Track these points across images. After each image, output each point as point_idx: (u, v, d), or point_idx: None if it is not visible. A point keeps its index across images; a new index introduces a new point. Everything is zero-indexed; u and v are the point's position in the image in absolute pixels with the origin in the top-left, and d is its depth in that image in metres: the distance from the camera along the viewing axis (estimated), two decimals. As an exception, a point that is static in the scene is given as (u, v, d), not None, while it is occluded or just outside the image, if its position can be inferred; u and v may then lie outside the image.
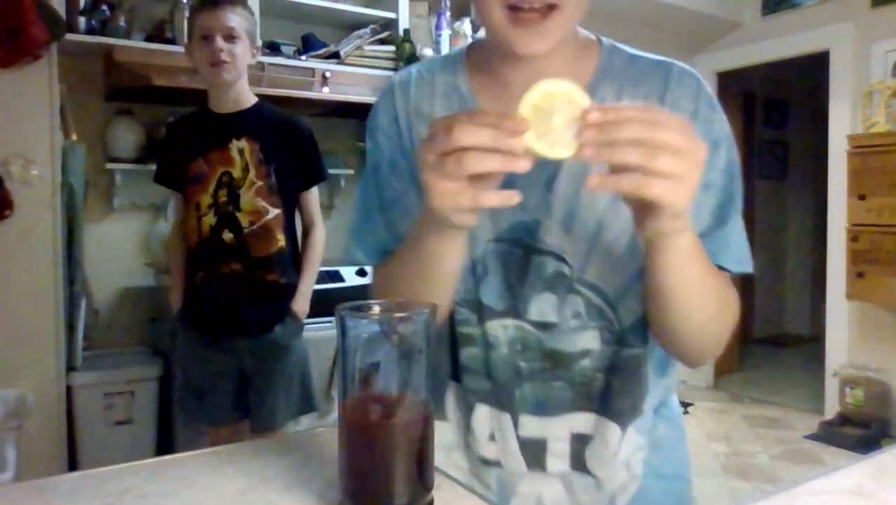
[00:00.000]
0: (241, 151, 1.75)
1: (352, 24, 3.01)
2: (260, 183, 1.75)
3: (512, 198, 0.56)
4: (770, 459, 3.20)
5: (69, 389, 2.25)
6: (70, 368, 2.26)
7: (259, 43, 1.87)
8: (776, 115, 5.64)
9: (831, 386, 3.62)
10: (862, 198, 3.22)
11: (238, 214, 1.74)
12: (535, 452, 0.77)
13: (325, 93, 2.75)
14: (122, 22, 2.48)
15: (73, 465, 2.26)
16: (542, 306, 0.74)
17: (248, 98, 1.82)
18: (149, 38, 2.56)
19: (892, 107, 3.26)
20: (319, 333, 2.40)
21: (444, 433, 0.81)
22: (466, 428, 0.80)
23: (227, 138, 1.75)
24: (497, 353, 0.76)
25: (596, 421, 0.76)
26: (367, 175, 0.81)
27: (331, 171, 3.08)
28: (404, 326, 0.58)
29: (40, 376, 2.12)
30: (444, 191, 0.55)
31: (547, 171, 0.71)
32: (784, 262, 5.80)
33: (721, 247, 0.72)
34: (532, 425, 0.77)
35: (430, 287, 0.69)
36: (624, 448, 0.77)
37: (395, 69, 2.98)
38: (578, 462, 0.77)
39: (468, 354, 0.78)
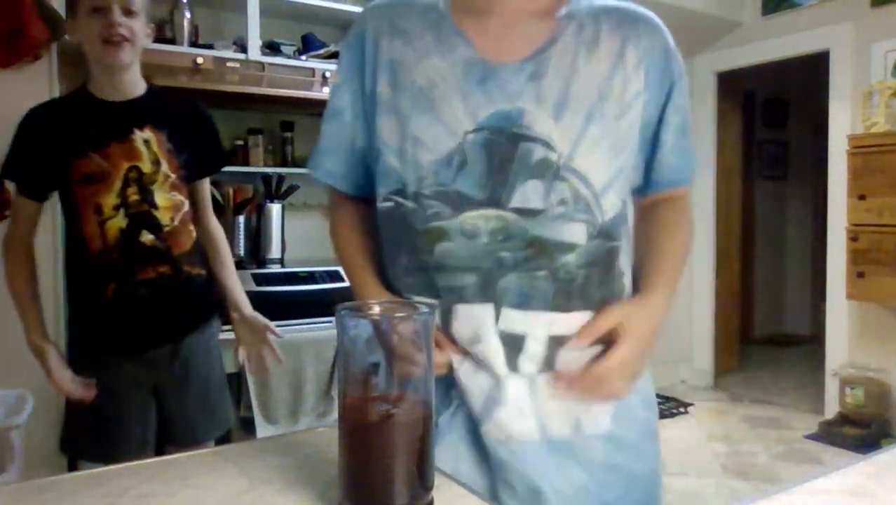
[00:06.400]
0: (147, 143, 1.53)
1: (352, 24, 3.01)
2: (173, 176, 1.57)
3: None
4: (770, 459, 3.20)
5: (69, 389, 2.25)
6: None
7: (152, 24, 1.63)
8: (776, 115, 5.64)
9: (831, 386, 3.62)
10: (862, 198, 3.22)
11: (156, 213, 1.54)
12: (512, 351, 0.77)
13: (325, 93, 2.75)
14: (122, 22, 2.48)
15: (73, 465, 2.25)
16: (527, 193, 0.74)
17: (142, 84, 1.60)
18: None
19: (892, 107, 3.26)
20: (319, 333, 2.40)
21: None
22: (447, 335, 0.80)
23: (129, 129, 1.52)
24: (476, 243, 0.75)
25: (574, 318, 0.77)
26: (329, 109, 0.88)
27: (331, 171, 3.11)
28: (404, 325, 0.58)
29: (40, 376, 2.11)
30: None
31: (531, 63, 0.76)
32: (784, 262, 5.80)
33: (685, 161, 0.86)
34: (513, 318, 0.76)
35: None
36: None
37: (395, 69, 2.98)
38: (548, 365, 0.78)
39: (442, 249, 0.77)
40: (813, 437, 3.44)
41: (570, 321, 0.77)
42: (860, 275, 3.24)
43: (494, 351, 0.77)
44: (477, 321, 0.77)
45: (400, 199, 0.79)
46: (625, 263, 0.82)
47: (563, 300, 0.76)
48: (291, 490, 0.64)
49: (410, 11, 0.83)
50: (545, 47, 0.77)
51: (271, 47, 2.76)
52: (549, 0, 0.80)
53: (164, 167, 1.55)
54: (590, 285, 0.77)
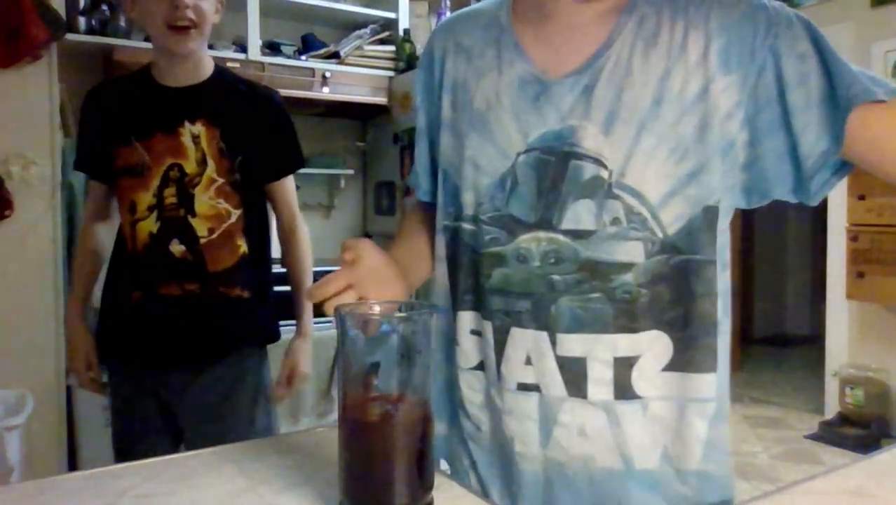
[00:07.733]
0: (195, 139, 1.35)
1: (352, 24, 3.01)
2: (221, 180, 1.36)
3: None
4: (770, 459, 3.20)
5: (69, 389, 2.25)
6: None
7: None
8: (776, 115, 5.64)
9: (831, 386, 3.62)
10: (862, 198, 3.22)
11: (192, 221, 1.35)
12: (574, 376, 0.73)
13: (325, 93, 2.75)
14: (122, 22, 2.49)
15: (73, 465, 2.26)
16: (579, 213, 0.71)
17: (207, 67, 1.41)
18: (149, 39, 2.56)
19: (892, 107, 3.26)
20: (319, 333, 2.40)
21: (469, 360, 0.81)
22: (500, 356, 0.77)
23: (178, 120, 1.35)
24: (529, 267, 0.74)
25: (643, 338, 0.72)
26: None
27: (331, 171, 3.10)
28: (404, 326, 0.58)
29: (40, 376, 2.12)
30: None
31: (585, 74, 0.72)
32: (784, 262, 5.80)
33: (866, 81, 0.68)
34: (570, 343, 0.73)
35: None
36: (683, 381, 0.72)
37: (394, 69, 2.98)
38: (623, 390, 0.72)
39: (499, 274, 0.76)
40: (813, 437, 3.43)
41: (639, 342, 0.72)
42: (860, 275, 3.24)
43: (551, 376, 0.74)
44: (531, 346, 0.75)
45: (458, 222, 0.80)
46: (712, 274, 0.73)
47: (626, 321, 0.72)
48: (291, 490, 0.64)
49: (475, 27, 0.82)
50: (600, 53, 0.72)
51: (271, 47, 2.76)
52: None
53: (211, 169, 1.36)
54: (659, 303, 0.72)
